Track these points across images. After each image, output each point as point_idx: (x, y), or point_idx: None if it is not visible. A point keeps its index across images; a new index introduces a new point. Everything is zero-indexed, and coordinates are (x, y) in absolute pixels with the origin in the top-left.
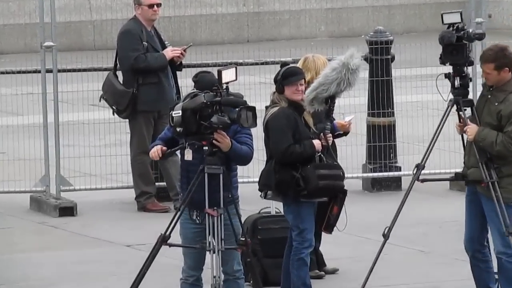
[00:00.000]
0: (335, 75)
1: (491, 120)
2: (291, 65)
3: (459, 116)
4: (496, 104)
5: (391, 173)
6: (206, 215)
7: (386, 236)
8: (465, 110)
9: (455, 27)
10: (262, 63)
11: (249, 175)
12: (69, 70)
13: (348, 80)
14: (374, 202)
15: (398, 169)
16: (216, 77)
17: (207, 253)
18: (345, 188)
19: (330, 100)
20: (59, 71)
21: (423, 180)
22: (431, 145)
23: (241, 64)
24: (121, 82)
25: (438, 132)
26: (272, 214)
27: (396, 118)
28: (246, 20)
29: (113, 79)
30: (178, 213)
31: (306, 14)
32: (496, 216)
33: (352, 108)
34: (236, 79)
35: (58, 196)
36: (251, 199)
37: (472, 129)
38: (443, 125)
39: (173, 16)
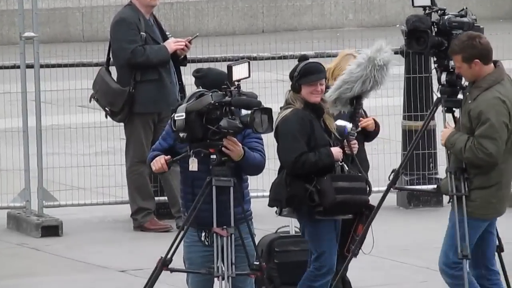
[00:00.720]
0: (360, 72)
1: (466, 122)
2: (311, 60)
3: (444, 118)
4: (469, 102)
5: (430, 186)
6: (214, 235)
7: (353, 253)
8: (454, 111)
9: (427, 11)
10: (280, 58)
11: (264, 189)
12: (53, 66)
13: (374, 77)
14: (411, 220)
15: (439, 181)
16: (226, 73)
17: (215, 280)
18: (371, 203)
19: (355, 101)
20: (41, 66)
21: (400, 189)
22: (411, 147)
23: (255, 58)
24: (115, 79)
25: (419, 134)
26: (291, 234)
27: (436, 122)
28: (261, 7)
29: (105, 75)
30: (181, 233)
31: (331, 0)
32: (453, 230)
33: (385, 110)
34: (249, 76)
35: (40, 213)
36: (266, 216)
37: (444, 133)
38: (426, 126)
39: (176, 2)
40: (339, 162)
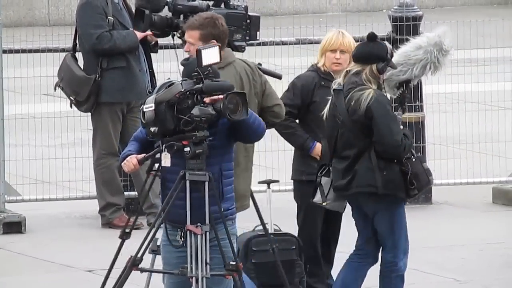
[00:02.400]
0: (422, 55)
1: None
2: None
3: None
4: None
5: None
6: (188, 233)
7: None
8: None
9: None
10: (258, 44)
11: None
12: (16, 51)
13: (437, 62)
14: None
15: None
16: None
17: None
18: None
19: (404, 85)
20: (4, 51)
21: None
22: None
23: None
24: (82, 66)
25: None
26: (270, 232)
27: (425, 114)
28: None
29: (71, 62)
30: (153, 230)
31: None
32: None
33: None
34: (219, 61)
35: (2, 208)
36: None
37: None
38: None
39: None
40: None
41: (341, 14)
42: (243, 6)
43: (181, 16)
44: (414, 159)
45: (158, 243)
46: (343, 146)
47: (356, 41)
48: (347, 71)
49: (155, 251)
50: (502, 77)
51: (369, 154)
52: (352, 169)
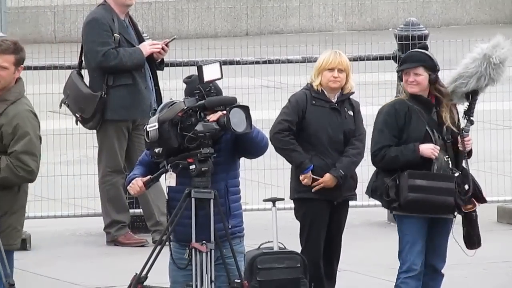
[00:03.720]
0: (475, 68)
1: None
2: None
3: None
4: None
5: None
6: (193, 251)
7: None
8: None
9: None
10: (264, 62)
11: (246, 201)
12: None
13: (490, 75)
14: None
15: None
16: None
17: None
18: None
19: (471, 96)
20: None
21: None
22: None
23: (238, 62)
24: (87, 83)
25: None
26: (274, 250)
27: None
28: (245, 8)
29: (77, 79)
30: (158, 248)
31: (320, 1)
32: None
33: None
34: (221, 77)
35: None
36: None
37: None
38: None
39: (154, 2)
40: (443, 158)
41: (347, 32)
42: None
43: None
44: (404, 174)
45: None
46: None
47: (361, 59)
48: None
49: None
50: (508, 96)
51: None
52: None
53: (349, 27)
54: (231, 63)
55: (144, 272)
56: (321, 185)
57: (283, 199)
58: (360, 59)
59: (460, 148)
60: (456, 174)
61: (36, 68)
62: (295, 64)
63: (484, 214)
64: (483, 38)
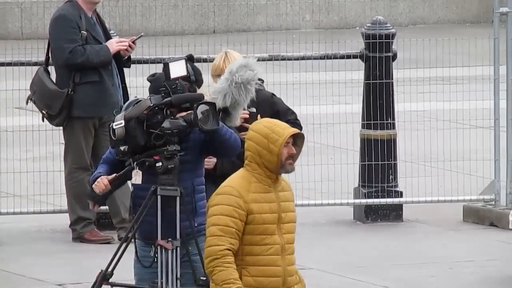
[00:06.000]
0: (222, 85)
1: None
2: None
3: None
4: None
5: (389, 200)
6: (158, 248)
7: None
8: None
9: None
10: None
11: None
12: None
13: (232, 94)
14: (368, 235)
15: (399, 194)
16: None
17: None
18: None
19: (223, 112)
20: None
21: None
22: None
23: (205, 60)
24: (54, 80)
25: None
26: None
27: (397, 131)
28: (213, 5)
29: (43, 76)
30: (124, 245)
31: None
32: None
33: (342, 117)
34: (187, 74)
35: None
36: None
37: None
38: None
39: None
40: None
41: (314, 30)
42: None
43: None
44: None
45: None
46: None
47: (329, 58)
48: None
49: None
50: (474, 95)
51: None
52: None
53: (316, 26)
54: (198, 60)
55: (109, 269)
56: None
57: None
58: (327, 57)
59: None
60: None
61: (2, 64)
62: (262, 62)
63: (450, 213)
64: (450, 37)
